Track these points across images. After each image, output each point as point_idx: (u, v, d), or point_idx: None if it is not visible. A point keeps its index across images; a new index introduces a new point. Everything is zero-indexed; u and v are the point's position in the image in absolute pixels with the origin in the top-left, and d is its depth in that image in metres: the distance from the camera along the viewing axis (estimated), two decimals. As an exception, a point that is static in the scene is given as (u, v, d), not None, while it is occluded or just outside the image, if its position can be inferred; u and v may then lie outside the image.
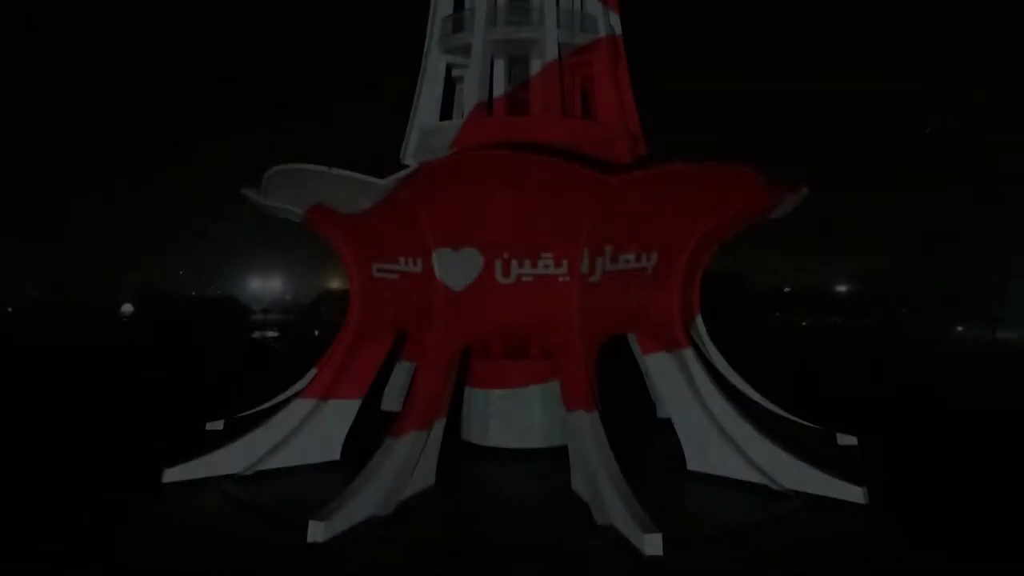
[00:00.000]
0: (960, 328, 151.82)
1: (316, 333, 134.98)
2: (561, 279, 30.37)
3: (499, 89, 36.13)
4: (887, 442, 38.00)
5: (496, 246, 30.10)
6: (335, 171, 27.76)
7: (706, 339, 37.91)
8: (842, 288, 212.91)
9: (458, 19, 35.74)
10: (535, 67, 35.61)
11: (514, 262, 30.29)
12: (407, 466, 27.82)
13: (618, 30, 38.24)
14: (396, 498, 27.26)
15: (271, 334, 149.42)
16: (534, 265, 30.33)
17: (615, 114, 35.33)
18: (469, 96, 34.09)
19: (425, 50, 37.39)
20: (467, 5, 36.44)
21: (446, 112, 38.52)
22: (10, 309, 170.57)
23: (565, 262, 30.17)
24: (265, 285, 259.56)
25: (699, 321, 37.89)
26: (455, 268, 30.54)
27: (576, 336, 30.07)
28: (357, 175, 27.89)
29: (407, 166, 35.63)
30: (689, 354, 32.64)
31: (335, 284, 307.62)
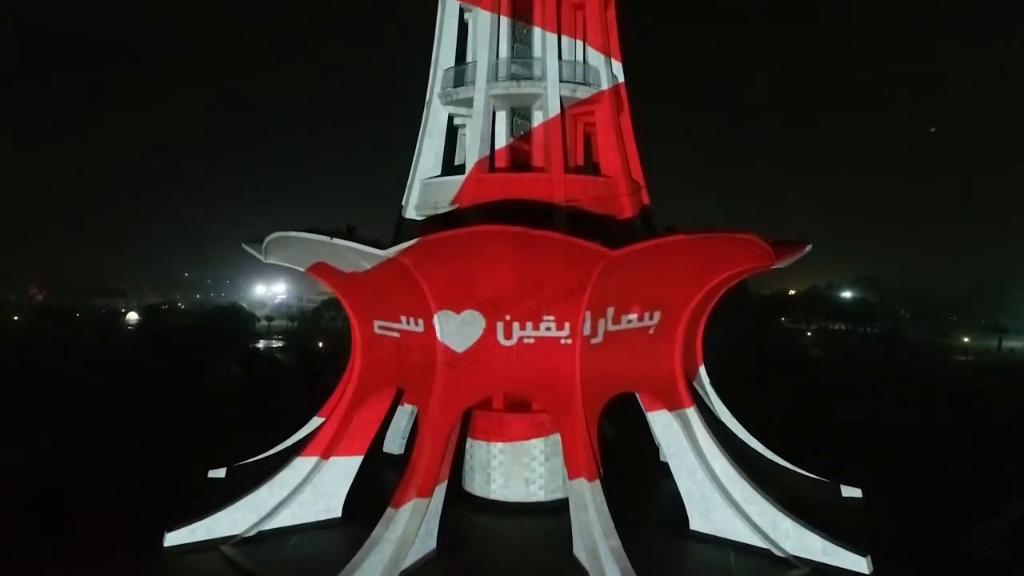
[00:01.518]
0: (967, 339, 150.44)
1: (320, 345, 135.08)
2: (563, 341, 30.21)
3: (501, 140, 35.78)
4: (893, 494, 37.70)
5: (498, 308, 29.92)
6: (336, 241, 27.60)
7: (709, 389, 37.77)
8: (847, 293, 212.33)
9: (460, 72, 35.52)
10: (537, 119, 35.41)
11: (516, 324, 30.14)
12: (408, 536, 27.75)
13: (621, 78, 38.06)
14: (398, 568, 27.20)
15: (275, 344, 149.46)
16: (536, 327, 30.17)
17: (617, 165, 35.09)
18: (471, 151, 33.86)
19: (427, 100, 37.21)
20: (469, 57, 36.27)
21: (448, 152, 38.26)
22: (16, 318, 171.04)
23: (567, 324, 29.99)
24: (269, 289, 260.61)
25: (702, 371, 37.75)
26: (457, 330, 30.38)
27: (578, 400, 29.91)
28: (357, 245, 27.75)
29: (409, 219, 35.81)
30: (692, 413, 32.50)
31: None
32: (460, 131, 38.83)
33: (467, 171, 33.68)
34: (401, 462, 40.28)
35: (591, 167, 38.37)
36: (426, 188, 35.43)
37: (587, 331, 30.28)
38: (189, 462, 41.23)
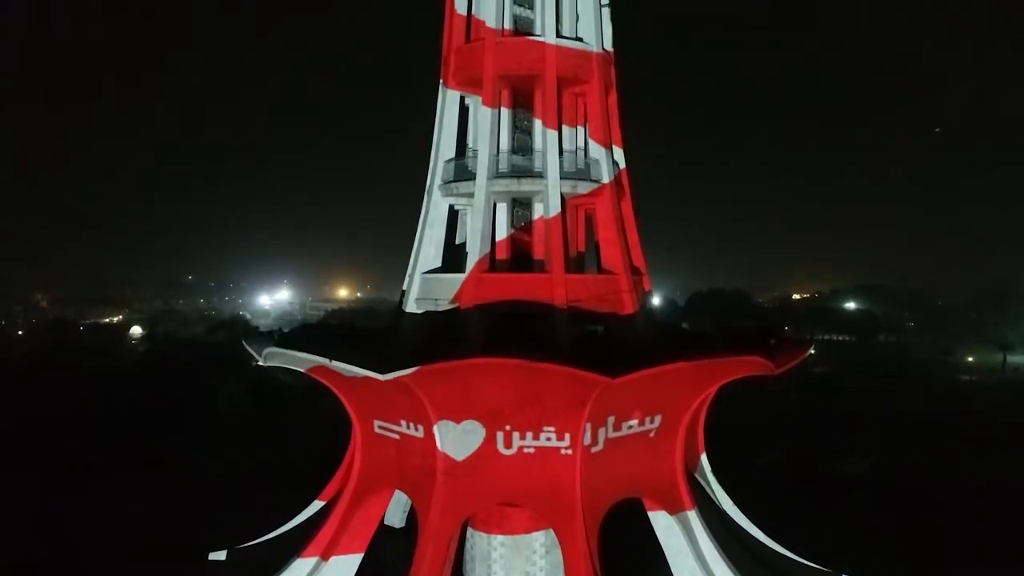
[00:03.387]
0: (971, 359, 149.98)
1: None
2: (563, 451, 30.15)
3: (502, 231, 35.58)
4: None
5: (498, 419, 29.89)
6: (334, 364, 27.55)
7: (711, 478, 37.66)
8: (851, 304, 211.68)
9: (460, 166, 35.37)
10: (537, 211, 35.26)
11: (516, 434, 30.12)
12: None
13: (622, 164, 37.90)
14: None
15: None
16: (536, 437, 30.14)
17: (619, 260, 34.86)
18: (472, 249, 33.70)
19: (427, 188, 37.08)
20: (469, 149, 36.13)
21: (449, 229, 38.13)
22: (20, 332, 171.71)
23: (567, 435, 29.93)
24: (272, 297, 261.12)
25: (704, 460, 37.65)
26: (457, 438, 30.33)
27: (578, 512, 29.87)
28: (355, 368, 27.68)
29: (410, 312, 35.69)
30: (693, 516, 32.46)
31: (342, 292, 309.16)
32: (460, 215, 38.72)
33: (468, 269, 33.52)
34: (401, 536, 40.40)
35: (593, 249, 38.21)
36: (426, 282, 35.30)
37: (587, 440, 30.22)
38: (189, 533, 41.25)
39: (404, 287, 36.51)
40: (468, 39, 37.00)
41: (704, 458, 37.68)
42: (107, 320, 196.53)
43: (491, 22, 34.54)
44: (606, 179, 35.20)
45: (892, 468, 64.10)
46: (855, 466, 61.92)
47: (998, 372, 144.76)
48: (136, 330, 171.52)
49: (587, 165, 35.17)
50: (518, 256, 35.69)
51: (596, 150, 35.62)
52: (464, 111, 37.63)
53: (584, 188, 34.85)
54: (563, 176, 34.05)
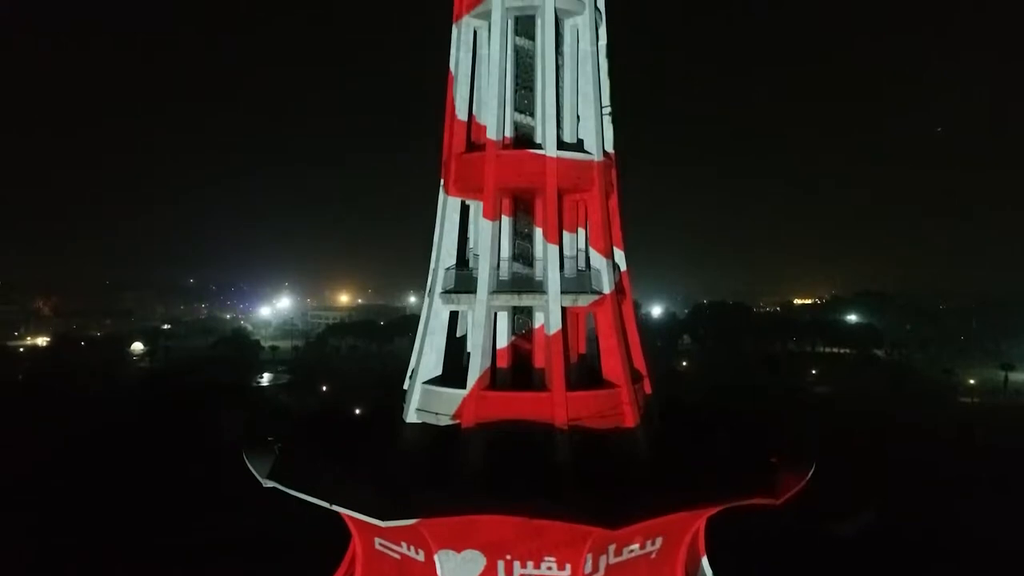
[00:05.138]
0: (973, 382, 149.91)
1: (324, 388, 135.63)
2: (564, 580, 30.14)
3: (503, 339, 35.48)
4: None
5: (499, 549, 29.88)
6: (335, 507, 27.53)
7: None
8: (852, 316, 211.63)
9: (461, 277, 35.26)
10: (538, 319, 35.17)
11: (517, 562, 30.09)
12: None
13: (623, 266, 37.80)
14: None
15: (281, 380, 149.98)
16: (537, 567, 30.09)
17: (620, 372, 34.77)
18: (472, 364, 33.61)
19: (428, 290, 36.99)
20: (470, 258, 36.03)
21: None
22: (21, 349, 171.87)
23: (568, 565, 29.89)
24: (274, 308, 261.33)
25: (704, 563, 37.62)
26: (457, 567, 30.29)
27: (578, 641, 29.85)
28: (355, 513, 27.65)
29: (410, 422, 35.60)
30: (694, 633, 32.43)
31: (343, 298, 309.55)
32: (460, 315, 38.58)
33: (469, 385, 33.42)
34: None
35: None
36: (427, 394, 35.19)
37: (588, 568, 30.16)
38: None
39: (406, 392, 36.46)
40: (469, 136, 36.97)
41: (705, 561, 37.67)
42: (108, 333, 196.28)
43: (492, 133, 34.39)
44: (607, 290, 35.08)
45: (895, 522, 63.85)
46: (856, 524, 61.91)
47: (999, 393, 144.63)
48: (137, 346, 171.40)
49: (589, 277, 35.00)
50: (519, 364, 35.63)
51: (597, 259, 35.48)
52: (465, 211, 37.58)
53: (585, 301, 34.76)
54: (564, 291, 33.94)
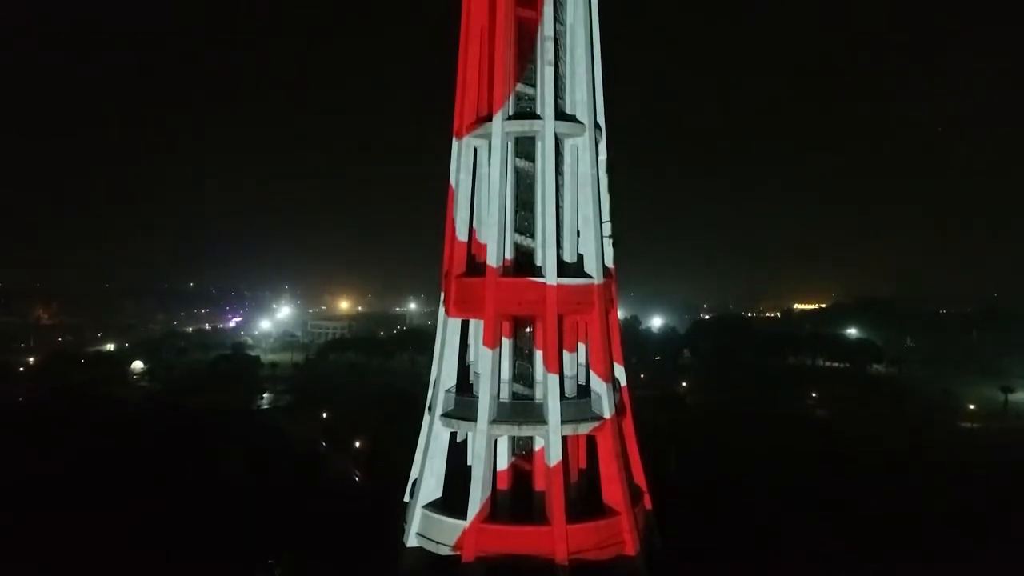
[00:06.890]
0: (972, 407, 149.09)
1: (324, 416, 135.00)
2: None
3: (503, 461, 35.35)
4: None
5: None
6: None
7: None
8: (852, 329, 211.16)
9: (462, 404, 35.14)
10: (538, 443, 35.05)
11: None
12: None
13: (624, 379, 37.71)
14: None
15: (281, 402, 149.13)
16: None
17: (620, 499, 34.66)
18: (473, 495, 33.50)
19: (428, 408, 36.88)
20: (472, 379, 35.96)
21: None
22: (21, 369, 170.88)
23: None
24: (274, 319, 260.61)
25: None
26: None
27: None
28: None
29: (411, 547, 35.52)
30: None
31: (343, 304, 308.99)
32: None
33: (469, 518, 33.33)
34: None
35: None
36: (427, 520, 35.11)
37: None
38: None
39: (405, 518, 36.36)
40: (470, 251, 36.84)
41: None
42: (108, 348, 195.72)
43: (492, 260, 34.19)
44: (607, 414, 34.94)
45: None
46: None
47: (1000, 414, 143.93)
48: (137, 364, 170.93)
49: (589, 404, 34.87)
50: (520, 487, 35.53)
51: (598, 383, 35.32)
52: (465, 329, 37.46)
53: (585, 428, 34.70)
54: (564, 420, 33.80)
